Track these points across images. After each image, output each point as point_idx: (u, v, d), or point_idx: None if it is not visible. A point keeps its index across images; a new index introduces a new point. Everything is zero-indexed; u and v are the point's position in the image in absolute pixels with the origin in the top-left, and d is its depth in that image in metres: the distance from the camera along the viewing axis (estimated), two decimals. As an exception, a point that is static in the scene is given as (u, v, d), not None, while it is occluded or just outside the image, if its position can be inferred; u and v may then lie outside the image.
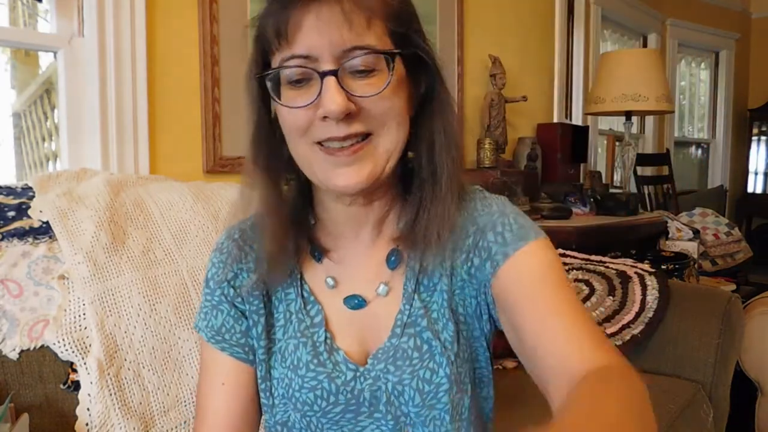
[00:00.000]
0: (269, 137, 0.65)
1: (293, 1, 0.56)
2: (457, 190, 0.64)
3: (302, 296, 0.69)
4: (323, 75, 0.56)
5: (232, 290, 0.70)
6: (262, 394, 0.70)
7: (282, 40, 0.57)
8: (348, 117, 0.57)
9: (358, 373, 0.66)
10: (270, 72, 0.59)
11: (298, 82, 0.58)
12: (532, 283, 0.60)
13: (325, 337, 0.67)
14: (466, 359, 0.66)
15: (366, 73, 0.57)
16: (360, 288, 0.68)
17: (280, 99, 0.60)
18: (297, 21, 0.56)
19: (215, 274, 0.71)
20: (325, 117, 0.57)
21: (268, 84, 0.60)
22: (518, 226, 0.63)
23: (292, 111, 0.59)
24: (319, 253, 0.69)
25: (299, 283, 0.70)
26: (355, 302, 0.68)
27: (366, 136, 0.59)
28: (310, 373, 0.66)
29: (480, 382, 0.69)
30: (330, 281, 0.69)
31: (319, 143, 0.59)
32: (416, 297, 0.66)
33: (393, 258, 0.67)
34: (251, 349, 0.70)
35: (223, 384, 0.70)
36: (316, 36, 0.56)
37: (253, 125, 0.65)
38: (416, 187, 0.65)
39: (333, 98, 0.56)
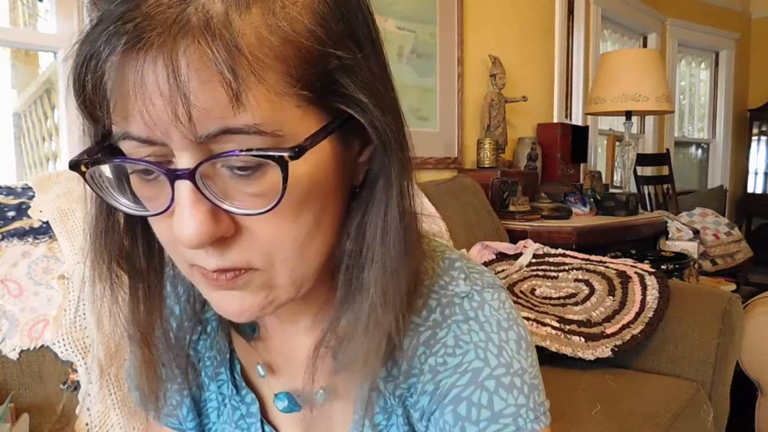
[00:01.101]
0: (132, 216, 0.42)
1: (103, 41, 0.32)
2: (395, 317, 0.43)
3: (233, 378, 0.54)
4: (173, 177, 0.35)
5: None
6: None
7: (96, 111, 0.35)
8: (220, 241, 0.37)
9: None
10: (95, 161, 0.37)
11: (146, 174, 0.37)
12: None
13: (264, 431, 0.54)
14: None
15: (247, 171, 0.35)
16: (296, 384, 0.52)
17: (130, 189, 0.39)
18: (114, 80, 0.33)
19: None
20: None
21: (107, 173, 0.39)
22: (491, 413, 0.44)
23: (147, 215, 0.39)
24: (251, 331, 0.53)
25: (229, 363, 0.54)
26: (286, 404, 0.52)
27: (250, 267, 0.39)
28: None
29: None
30: (261, 369, 0.53)
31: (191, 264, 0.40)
32: (368, 423, 0.49)
33: (338, 362, 0.47)
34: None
35: None
36: (147, 110, 0.33)
37: (96, 215, 0.43)
38: (341, 299, 0.44)
39: (187, 219, 0.35)
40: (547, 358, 1.35)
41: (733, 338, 1.42)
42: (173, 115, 0.32)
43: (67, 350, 0.89)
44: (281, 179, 0.34)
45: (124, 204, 0.39)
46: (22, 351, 0.87)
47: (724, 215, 3.44)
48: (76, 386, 0.89)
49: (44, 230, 0.97)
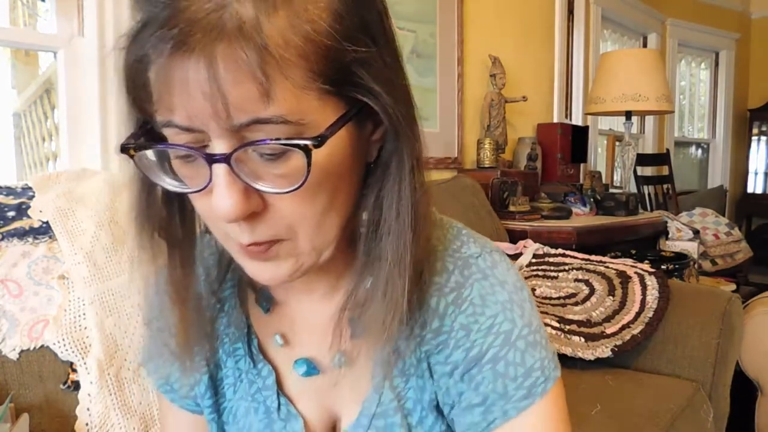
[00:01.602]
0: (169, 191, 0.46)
1: (152, 45, 0.37)
2: (409, 279, 0.47)
3: (251, 353, 0.58)
4: (211, 161, 0.39)
5: (172, 339, 0.55)
6: None
7: (145, 103, 0.40)
8: (252, 216, 0.42)
9: None
10: (144, 147, 0.42)
11: (186, 157, 0.42)
12: None
13: (279, 403, 0.56)
14: None
15: (274, 157, 0.40)
16: (313, 351, 0.56)
17: (171, 167, 0.44)
18: (161, 78, 0.38)
19: (156, 318, 0.59)
20: None
21: (151, 156, 0.44)
22: (524, 369, 0.49)
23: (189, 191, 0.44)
24: (268, 303, 0.57)
25: (246, 337, 0.58)
26: (305, 369, 0.55)
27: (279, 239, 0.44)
28: None
29: None
30: (279, 339, 0.56)
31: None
32: (387, 385, 0.53)
33: (357, 328, 0.52)
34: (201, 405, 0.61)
35: None
36: (189, 103, 0.38)
37: (140, 186, 0.48)
38: (358, 265, 0.49)
39: (223, 198, 0.40)
40: (547, 358, 1.35)
41: (733, 338, 1.42)
42: (212, 109, 0.37)
43: (67, 350, 0.89)
44: (305, 164, 0.39)
45: (168, 182, 0.44)
46: (22, 351, 0.87)
47: (724, 215, 3.44)
48: (76, 386, 0.89)
49: (44, 230, 0.97)
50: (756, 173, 5.02)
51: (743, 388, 1.63)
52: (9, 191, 1.02)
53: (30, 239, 0.96)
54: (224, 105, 0.37)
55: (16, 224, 0.96)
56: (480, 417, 0.50)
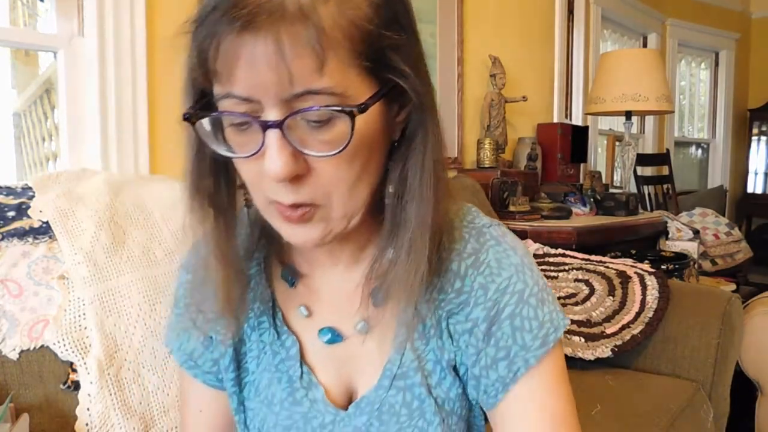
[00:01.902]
0: (217, 162, 0.53)
1: (223, 25, 0.43)
2: (431, 241, 0.53)
3: (275, 326, 0.62)
4: (265, 127, 0.45)
5: (200, 315, 0.61)
6: (237, 426, 0.65)
7: (212, 75, 0.46)
8: (296, 179, 0.47)
9: (338, 418, 0.59)
10: (202, 115, 0.48)
11: (241, 125, 0.47)
12: (542, 395, 0.56)
13: (302, 372, 0.60)
14: (462, 416, 0.60)
15: (321, 123, 0.46)
16: (336, 320, 0.61)
17: (224, 136, 0.50)
18: (229, 53, 0.44)
19: (183, 296, 0.64)
20: None
21: (206, 125, 0.49)
22: (538, 322, 0.56)
23: (238, 157, 0.49)
24: (292, 277, 0.62)
25: (272, 311, 0.62)
26: (329, 336, 0.60)
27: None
28: (285, 411, 0.60)
29: (471, 430, 0.64)
30: (303, 310, 0.61)
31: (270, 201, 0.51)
32: (408, 346, 0.58)
33: (380, 295, 0.57)
34: (223, 378, 0.65)
35: (201, 411, 0.67)
36: (252, 76, 0.44)
37: (194, 145, 0.52)
38: (384, 231, 0.55)
39: (275, 159, 0.45)
40: (547, 358, 1.35)
41: (733, 338, 1.42)
42: (276, 79, 0.43)
43: (67, 350, 0.89)
44: (349, 128, 0.45)
45: (222, 150, 0.49)
46: (22, 351, 0.87)
47: (724, 215, 3.44)
48: (76, 386, 0.89)
49: (44, 230, 0.97)
50: (756, 173, 5.02)
51: (743, 388, 1.63)
52: (9, 191, 1.02)
53: (30, 239, 0.96)
54: (288, 75, 0.43)
55: (16, 224, 0.96)
56: (505, 370, 0.55)
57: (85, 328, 0.92)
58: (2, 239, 0.94)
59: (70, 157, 1.35)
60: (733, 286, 2.27)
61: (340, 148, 0.46)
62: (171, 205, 1.12)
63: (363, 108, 0.45)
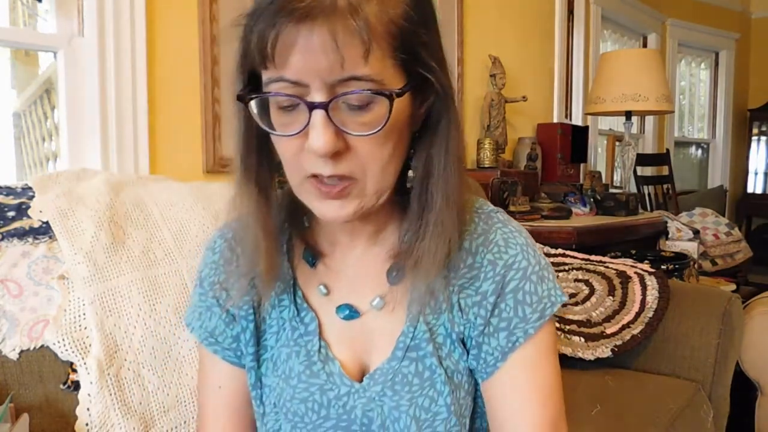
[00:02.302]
0: (260, 142, 0.60)
1: (282, 16, 0.49)
2: (456, 222, 0.59)
3: (295, 303, 0.66)
4: (312, 107, 0.51)
5: (224, 293, 0.67)
6: (253, 402, 0.69)
7: (268, 61, 0.51)
8: (336, 155, 0.53)
9: (352, 390, 0.63)
10: (253, 96, 0.54)
11: (287, 106, 0.53)
12: (534, 365, 0.62)
13: (320, 346, 0.64)
14: (469, 392, 0.65)
15: (360, 106, 0.52)
16: (353, 298, 0.65)
17: (269, 118, 0.55)
18: (286, 41, 0.50)
19: (208, 275, 0.69)
20: None
21: (254, 107, 0.55)
22: (537, 297, 0.62)
23: (282, 137, 0.55)
24: (313, 258, 0.67)
25: (292, 289, 0.67)
26: (347, 312, 0.65)
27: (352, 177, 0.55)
28: (302, 384, 0.64)
29: (475, 413, 0.67)
30: (323, 288, 0.66)
31: (309, 176, 0.56)
32: (421, 319, 0.63)
33: (395, 273, 0.64)
34: (243, 354, 0.68)
35: (220, 387, 0.69)
36: (305, 61, 0.50)
37: (243, 136, 0.59)
38: (410, 213, 0.61)
39: (320, 136, 0.51)
40: (547, 358, 1.35)
41: (733, 338, 1.42)
42: (328, 64, 0.49)
43: (67, 350, 0.89)
44: (387, 111, 0.52)
45: (270, 128, 0.55)
46: (22, 351, 0.87)
47: (724, 215, 3.44)
48: (76, 386, 0.89)
49: (44, 230, 0.97)
50: (756, 173, 5.02)
51: (743, 388, 1.63)
52: (9, 191, 1.02)
53: (30, 239, 0.96)
54: (339, 61, 0.49)
55: (16, 224, 0.96)
56: (505, 340, 0.61)
57: (85, 328, 0.92)
58: (2, 239, 0.94)
59: (70, 157, 1.35)
60: (733, 286, 2.26)
61: (378, 128, 0.52)
62: (171, 205, 1.12)
63: (399, 93, 0.52)
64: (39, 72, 1.49)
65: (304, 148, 0.53)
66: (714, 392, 1.41)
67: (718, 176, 4.80)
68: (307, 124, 0.52)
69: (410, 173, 0.61)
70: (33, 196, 1.02)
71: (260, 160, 0.60)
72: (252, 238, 0.61)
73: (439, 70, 0.56)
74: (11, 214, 0.97)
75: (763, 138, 5.00)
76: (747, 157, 4.98)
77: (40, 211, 0.99)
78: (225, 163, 1.56)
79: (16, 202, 1.00)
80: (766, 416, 1.64)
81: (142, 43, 1.38)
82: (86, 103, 1.34)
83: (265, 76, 0.53)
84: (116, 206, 1.05)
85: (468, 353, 0.64)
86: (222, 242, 0.69)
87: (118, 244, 1.00)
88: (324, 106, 0.51)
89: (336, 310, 0.65)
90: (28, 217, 0.98)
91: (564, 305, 1.50)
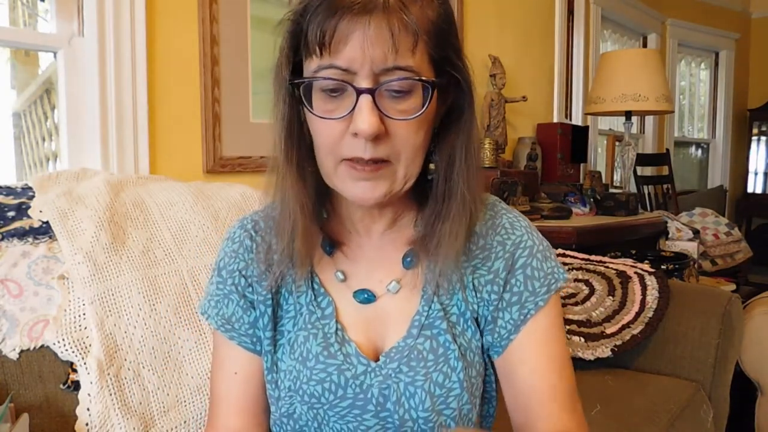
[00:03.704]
0: (301, 135, 0.64)
1: (343, 9, 0.54)
2: (473, 208, 0.65)
3: (312, 288, 0.69)
4: (360, 92, 0.56)
5: (243, 279, 0.70)
6: (268, 386, 0.70)
7: (323, 49, 0.56)
8: (376, 138, 0.57)
9: (369, 369, 0.66)
10: (305, 80, 0.59)
11: (333, 92, 0.58)
12: (546, 337, 0.66)
13: (336, 329, 0.67)
14: (480, 372, 0.68)
15: (401, 94, 0.57)
16: (370, 284, 0.69)
17: (311, 104, 0.59)
18: (343, 31, 0.55)
19: (228, 264, 0.71)
20: (355, 134, 0.57)
21: (301, 90, 0.59)
22: (544, 273, 0.67)
23: (324, 121, 0.59)
24: (331, 246, 0.70)
25: (310, 275, 0.70)
26: (365, 296, 0.68)
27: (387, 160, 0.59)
28: (320, 365, 0.66)
29: (483, 398, 0.70)
30: (340, 275, 0.69)
31: (344, 159, 0.59)
32: (436, 299, 0.67)
33: (409, 258, 0.68)
34: (258, 339, 0.70)
35: (236, 373, 0.71)
36: (359, 50, 0.55)
37: (286, 121, 0.64)
38: (432, 199, 0.66)
39: (366, 118, 0.55)
40: (547, 358, 1.34)
41: (733, 338, 1.42)
42: (381, 53, 0.55)
43: (67, 350, 0.89)
44: (426, 98, 0.58)
45: (316, 112, 0.59)
46: (22, 351, 0.87)
47: (724, 215, 3.44)
48: (76, 386, 0.89)
49: (44, 230, 0.97)
50: (756, 173, 5.01)
51: (743, 388, 1.63)
52: (9, 191, 1.02)
53: (30, 239, 0.96)
54: (393, 50, 0.55)
55: (16, 224, 0.96)
56: (517, 313, 0.66)
57: (85, 328, 0.92)
58: (2, 239, 0.94)
59: (70, 157, 1.35)
60: (733, 286, 2.26)
61: (418, 113, 0.57)
62: (171, 205, 1.12)
63: (437, 83, 0.58)
64: (39, 72, 1.49)
65: (345, 133, 0.58)
66: (714, 392, 1.41)
67: (718, 176, 4.80)
68: (353, 108, 0.56)
69: (431, 166, 0.67)
70: (33, 196, 1.02)
71: (299, 144, 0.64)
72: (290, 215, 0.64)
73: (463, 69, 0.62)
74: (11, 214, 0.97)
75: (763, 138, 5.00)
76: (747, 157, 4.98)
77: (40, 211, 0.99)
78: (225, 163, 1.56)
79: (16, 202, 1.00)
80: (766, 416, 1.64)
81: (142, 43, 1.38)
82: (86, 103, 1.34)
83: (314, 64, 0.57)
84: (116, 206, 1.05)
85: (482, 333, 0.68)
86: (242, 232, 0.72)
87: (118, 244, 1.00)
88: (371, 92, 0.56)
89: (353, 294, 0.69)
90: (28, 217, 0.98)
91: (564, 305, 1.50)
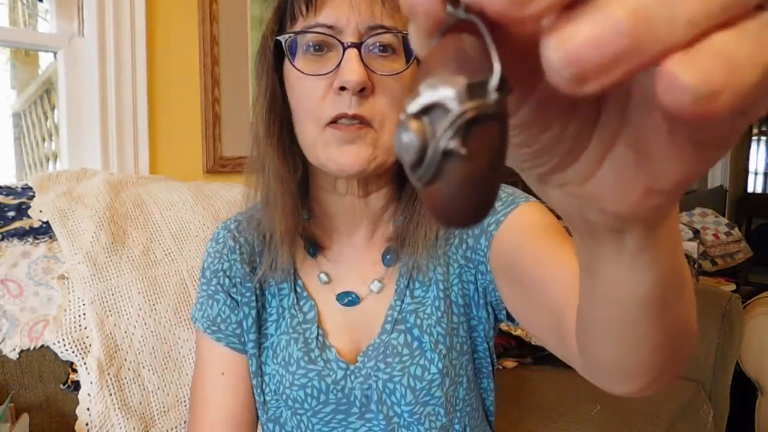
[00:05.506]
0: (282, 110, 0.64)
1: None
2: None
3: (295, 291, 0.69)
4: (346, 46, 0.57)
5: (227, 280, 0.70)
6: (254, 390, 0.70)
7: (310, 7, 0.58)
8: (361, 94, 0.57)
9: (348, 372, 0.65)
10: (291, 33, 0.59)
11: (318, 50, 0.59)
12: (532, 231, 0.58)
13: (317, 334, 0.66)
14: (463, 351, 0.66)
15: (385, 52, 0.58)
16: (353, 285, 0.68)
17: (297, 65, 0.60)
18: None
19: (211, 264, 0.71)
20: (341, 88, 0.56)
21: (285, 48, 0.60)
22: (506, 194, 0.63)
23: (306, 80, 0.59)
24: (314, 248, 0.69)
25: (293, 278, 0.69)
26: (348, 299, 0.67)
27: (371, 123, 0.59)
28: (301, 371, 0.65)
29: (479, 373, 0.69)
30: (323, 277, 0.68)
31: (327, 124, 0.58)
32: (408, 293, 0.66)
33: (389, 256, 0.67)
34: (245, 341, 0.70)
35: (223, 374, 0.70)
36: (346, 8, 0.57)
37: (268, 95, 0.63)
38: (405, 195, 0.65)
39: (353, 69, 0.56)
40: (547, 357, 1.35)
41: (733, 338, 1.42)
42: (369, 10, 0.57)
43: (67, 350, 0.89)
44: (410, 57, 0.58)
45: (302, 68, 0.59)
46: (22, 351, 0.87)
47: (724, 215, 3.44)
48: (76, 386, 0.89)
49: (44, 230, 0.97)
50: (756, 173, 5.01)
51: (743, 388, 1.63)
52: (9, 191, 1.02)
53: (30, 239, 0.96)
54: (379, 11, 0.57)
55: (16, 224, 0.96)
56: (483, 239, 0.62)
57: (85, 328, 0.92)
58: (2, 239, 0.94)
59: (70, 157, 1.35)
60: (733, 286, 2.27)
61: (401, 69, 0.58)
62: (171, 205, 1.12)
63: None
64: (39, 72, 1.49)
65: (328, 91, 0.58)
66: (714, 392, 1.41)
67: (718, 176, 4.80)
68: (339, 63, 0.57)
69: None
70: (33, 196, 1.02)
71: (282, 120, 0.64)
72: (273, 197, 0.64)
73: None
74: (11, 214, 0.97)
75: (763, 138, 5.00)
76: (747, 157, 4.98)
77: (40, 211, 0.99)
78: (225, 163, 1.56)
79: (16, 202, 1.00)
80: (766, 416, 1.64)
81: (142, 43, 1.38)
82: (86, 103, 1.34)
83: (301, 24, 0.59)
84: (116, 206, 1.05)
85: (457, 318, 0.66)
86: (225, 233, 0.72)
87: (118, 244, 1.00)
88: (357, 46, 0.57)
89: (337, 297, 0.68)
90: (28, 217, 0.98)
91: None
